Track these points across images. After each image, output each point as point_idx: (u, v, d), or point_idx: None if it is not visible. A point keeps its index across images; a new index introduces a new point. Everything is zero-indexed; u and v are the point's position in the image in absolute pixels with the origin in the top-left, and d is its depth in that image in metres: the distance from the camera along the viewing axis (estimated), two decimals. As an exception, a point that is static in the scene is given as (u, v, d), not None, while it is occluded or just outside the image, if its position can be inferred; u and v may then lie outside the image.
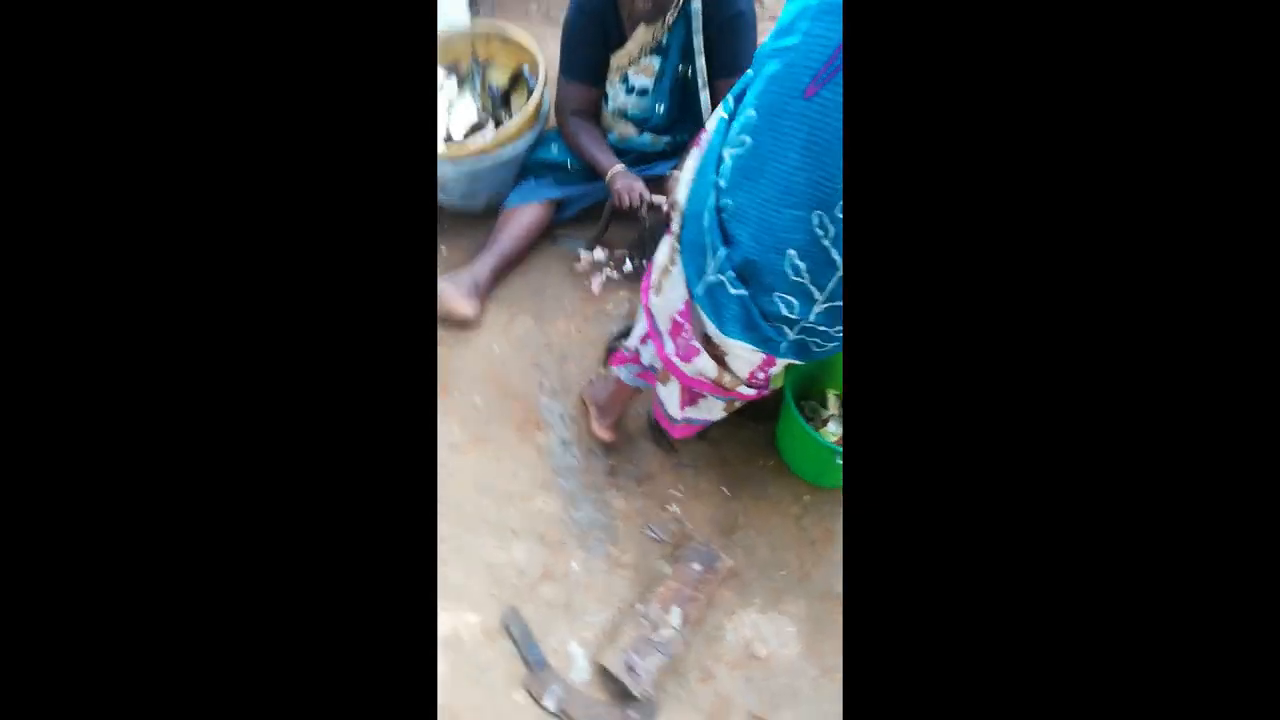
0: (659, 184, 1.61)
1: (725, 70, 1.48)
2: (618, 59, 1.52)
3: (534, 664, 1.20)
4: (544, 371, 1.55)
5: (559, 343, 1.60)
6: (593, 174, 1.65)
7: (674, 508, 1.38)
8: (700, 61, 1.48)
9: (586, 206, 1.73)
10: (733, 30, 1.44)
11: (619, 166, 1.53)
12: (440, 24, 1.72)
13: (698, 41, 1.46)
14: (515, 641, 1.22)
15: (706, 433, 1.41)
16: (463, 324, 1.58)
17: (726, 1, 1.41)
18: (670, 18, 1.44)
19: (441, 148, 1.65)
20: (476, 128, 1.73)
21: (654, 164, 1.67)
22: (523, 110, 1.63)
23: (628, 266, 1.69)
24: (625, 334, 1.56)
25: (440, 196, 1.70)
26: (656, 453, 1.45)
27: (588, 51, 1.51)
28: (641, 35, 1.47)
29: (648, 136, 1.65)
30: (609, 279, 1.68)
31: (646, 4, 1.35)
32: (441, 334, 1.58)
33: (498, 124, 1.71)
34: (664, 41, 1.48)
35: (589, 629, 1.25)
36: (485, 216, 1.75)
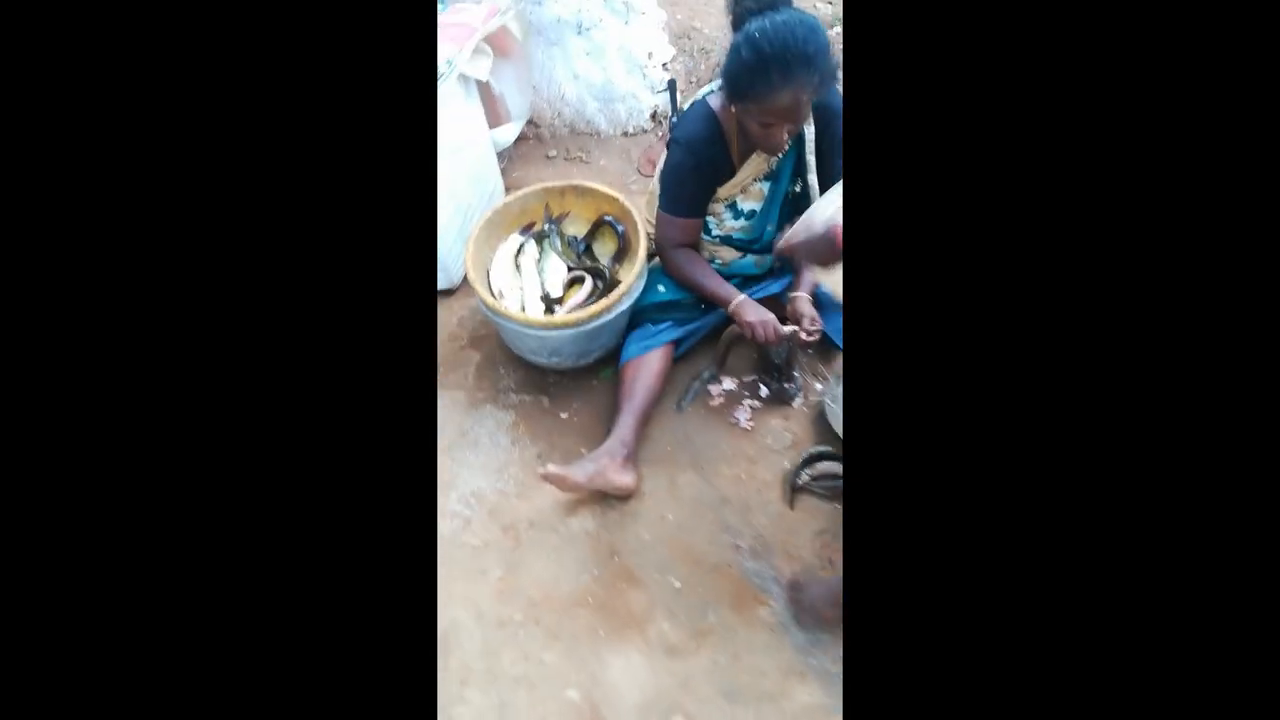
0: (774, 303, 1.56)
1: (831, 185, 1.46)
2: (725, 190, 1.48)
3: None
4: (734, 531, 1.38)
5: (735, 493, 1.44)
6: (702, 306, 1.58)
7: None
8: (813, 178, 1.46)
9: (699, 340, 1.65)
10: (841, 150, 1.43)
11: (742, 297, 1.46)
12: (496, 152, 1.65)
13: (811, 160, 1.45)
14: None
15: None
16: (626, 496, 1.42)
17: (835, 123, 1.41)
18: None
19: (544, 314, 1.55)
20: (576, 281, 1.63)
21: (763, 283, 1.62)
22: (633, 262, 1.55)
23: (764, 392, 1.58)
24: (808, 462, 1.43)
25: (554, 360, 1.57)
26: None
27: (697, 190, 1.47)
28: (754, 164, 1.44)
29: (751, 259, 1.60)
30: (752, 409, 1.56)
31: (782, 142, 1.32)
32: (608, 514, 1.41)
33: (595, 275, 1.62)
34: (775, 167, 1.46)
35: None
36: (590, 370, 1.63)
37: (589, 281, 1.63)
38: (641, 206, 1.68)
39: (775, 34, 1.19)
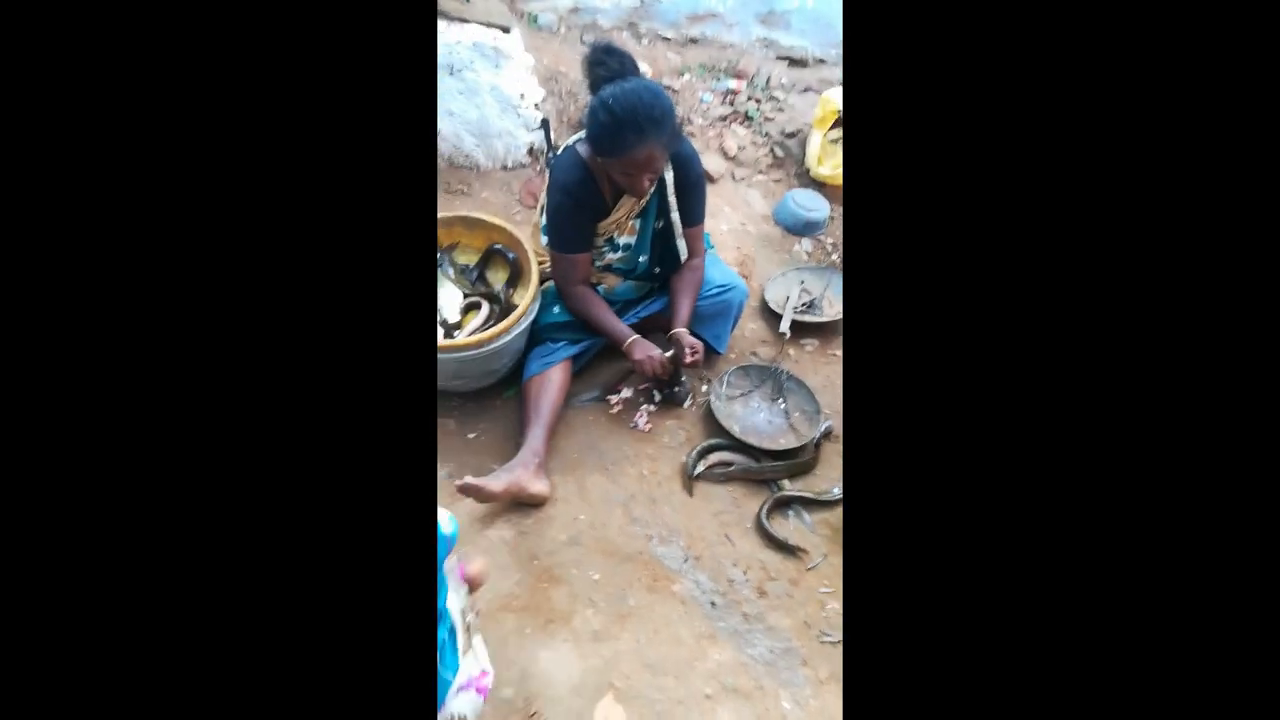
0: (657, 319, 1.77)
1: (693, 219, 1.70)
2: (604, 227, 1.66)
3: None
4: (643, 522, 1.51)
5: (640, 489, 1.57)
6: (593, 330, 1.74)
7: (831, 605, 1.42)
8: (675, 215, 1.68)
9: (593, 356, 1.79)
10: (695, 189, 1.68)
11: (633, 338, 1.63)
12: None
13: (672, 200, 1.66)
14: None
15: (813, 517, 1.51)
16: (540, 503, 1.50)
17: (689, 168, 1.65)
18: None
19: (446, 338, 1.61)
20: (472, 306, 1.70)
21: (644, 304, 1.82)
22: (526, 286, 1.67)
23: (657, 398, 1.75)
24: (702, 454, 1.60)
25: (456, 383, 1.62)
26: (786, 559, 1.48)
27: (579, 227, 1.63)
28: (626, 205, 1.63)
29: (631, 284, 1.79)
30: (649, 413, 1.72)
31: (644, 188, 1.51)
32: (524, 522, 1.48)
33: (490, 300, 1.70)
34: (644, 206, 1.65)
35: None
36: (492, 391, 1.70)
37: (485, 306, 1.71)
38: (527, 237, 1.80)
39: (625, 100, 1.38)
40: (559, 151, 1.66)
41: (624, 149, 1.41)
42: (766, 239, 2.32)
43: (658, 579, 1.42)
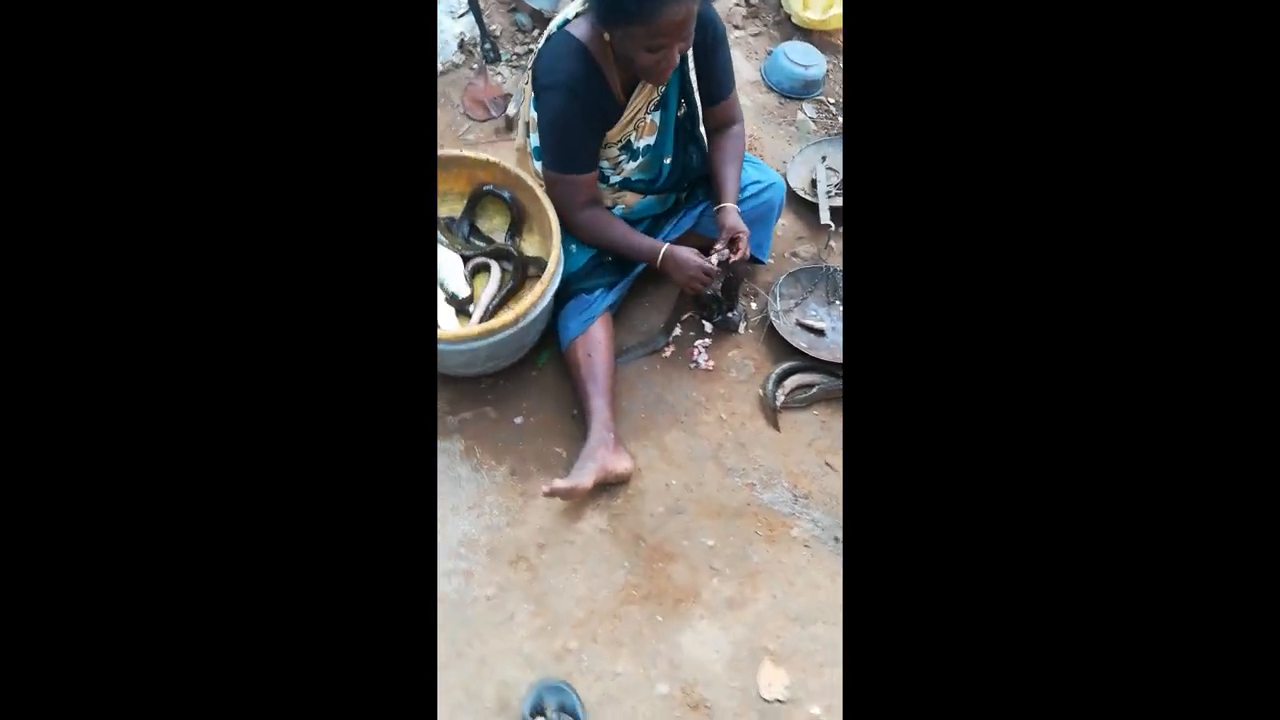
0: (691, 237, 1.50)
1: (719, 95, 1.39)
2: (616, 131, 1.33)
3: None
4: (739, 472, 1.39)
5: (723, 435, 1.43)
6: (626, 262, 1.47)
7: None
8: (696, 96, 1.37)
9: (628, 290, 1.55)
10: (719, 53, 1.35)
11: (664, 249, 1.35)
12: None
13: (694, 79, 1.35)
14: None
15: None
16: (627, 479, 1.35)
17: (710, 25, 1.31)
18: None
19: (460, 314, 1.35)
20: (480, 269, 1.41)
21: (673, 221, 1.53)
22: (538, 232, 1.39)
23: (708, 329, 1.56)
24: (778, 381, 1.46)
25: (490, 365, 1.38)
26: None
27: (587, 138, 1.31)
28: (642, 95, 1.30)
29: (653, 198, 1.49)
30: (704, 348, 1.54)
31: (673, 64, 1.18)
32: (614, 504, 1.33)
33: (499, 257, 1.41)
34: (662, 93, 1.33)
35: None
36: (523, 362, 1.47)
37: (495, 268, 1.42)
38: (513, 165, 1.47)
39: None
40: (545, 39, 1.29)
41: (655, 7, 1.07)
42: (764, 110, 2.03)
43: (773, 528, 1.33)
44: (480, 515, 1.32)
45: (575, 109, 1.25)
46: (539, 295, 1.29)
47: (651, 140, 1.39)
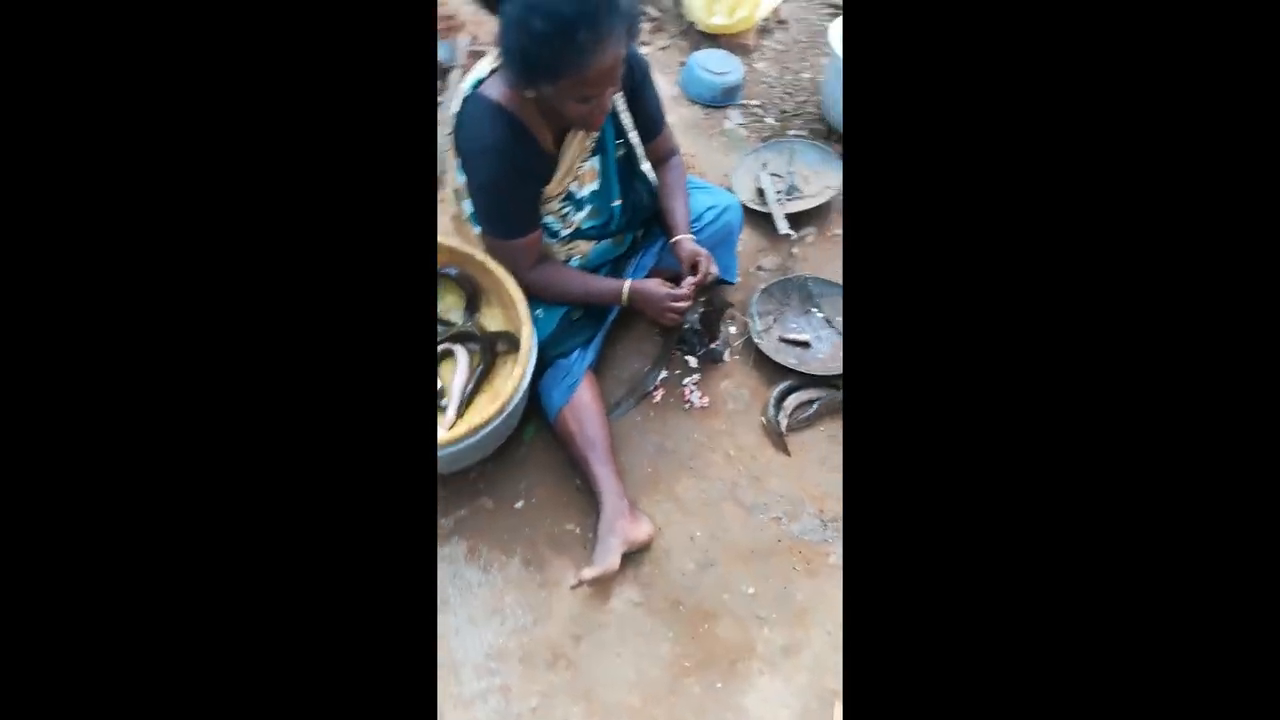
0: (656, 274, 1.43)
1: (653, 130, 1.34)
2: (554, 186, 1.25)
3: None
4: (761, 508, 1.33)
5: (736, 473, 1.37)
6: (597, 311, 1.40)
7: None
8: (633, 135, 1.31)
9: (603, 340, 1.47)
10: (647, 89, 1.30)
11: (628, 285, 1.29)
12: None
13: (627, 118, 1.28)
14: None
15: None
16: (649, 543, 1.27)
17: (635, 62, 1.25)
18: None
19: (446, 431, 1.23)
20: (445, 356, 1.29)
21: (633, 261, 1.47)
22: (500, 305, 1.28)
23: (693, 364, 1.50)
24: (778, 404, 1.41)
25: (477, 456, 1.27)
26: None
27: (523, 199, 1.23)
28: (575, 145, 1.23)
29: (608, 243, 1.42)
30: (694, 384, 1.48)
31: (606, 110, 1.11)
32: (641, 571, 1.25)
33: (462, 340, 1.30)
34: (597, 139, 1.26)
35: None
36: (508, 445, 1.37)
37: (460, 352, 1.31)
38: (450, 234, 1.36)
39: None
40: (458, 105, 1.20)
41: (580, 59, 0.98)
42: (690, 124, 1.99)
43: (810, 560, 1.28)
44: (503, 620, 1.21)
45: (506, 172, 1.16)
46: (517, 379, 1.19)
47: (595, 186, 1.32)
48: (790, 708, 1.14)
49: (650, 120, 1.33)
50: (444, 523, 1.31)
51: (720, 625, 1.22)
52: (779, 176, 1.76)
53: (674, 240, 1.35)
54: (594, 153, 1.28)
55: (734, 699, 1.15)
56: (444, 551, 1.28)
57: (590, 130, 1.19)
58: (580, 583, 1.13)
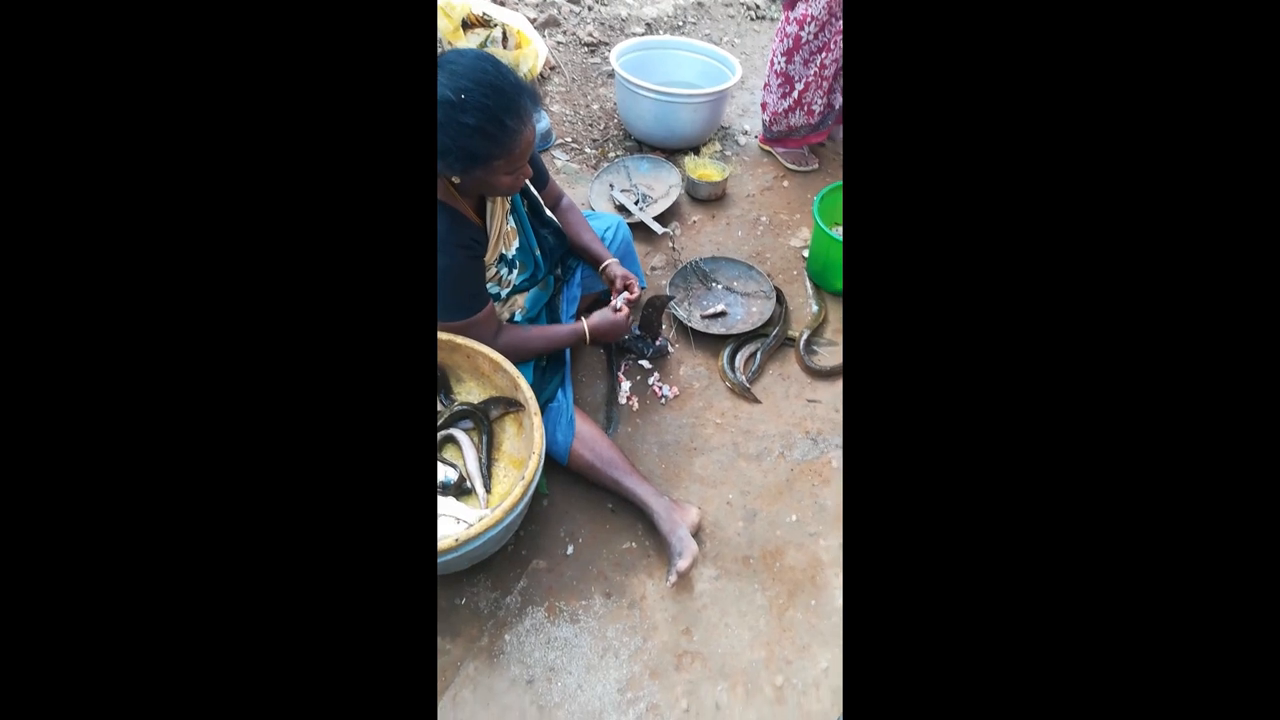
0: (598, 301, 1.61)
1: (544, 178, 1.49)
2: (489, 255, 1.33)
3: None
4: (766, 452, 1.51)
5: (733, 434, 1.54)
6: (558, 353, 1.50)
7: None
8: (532, 188, 1.41)
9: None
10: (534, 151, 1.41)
11: (583, 325, 1.43)
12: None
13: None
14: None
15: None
16: (699, 524, 1.37)
17: None
18: None
19: (465, 509, 1.22)
20: (446, 443, 1.24)
21: (562, 300, 1.60)
22: (483, 379, 1.29)
23: (648, 365, 1.64)
24: (730, 361, 1.60)
25: (509, 534, 1.24)
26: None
27: (475, 277, 1.29)
28: (498, 212, 1.32)
29: (535, 290, 1.52)
30: (658, 381, 1.60)
31: (526, 174, 1.20)
32: (703, 551, 1.36)
33: (461, 419, 1.26)
34: (510, 201, 1.34)
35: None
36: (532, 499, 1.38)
37: (462, 437, 1.28)
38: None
39: (479, 85, 1.06)
40: None
41: (509, 140, 1.09)
42: (524, 174, 2.11)
43: (820, 472, 1.50)
44: (616, 653, 1.23)
45: (457, 259, 1.21)
46: (539, 450, 1.20)
47: (518, 243, 1.40)
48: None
49: (539, 170, 1.45)
50: (509, 600, 1.27)
51: (787, 557, 1.38)
52: (629, 191, 1.98)
53: (602, 267, 1.51)
54: (510, 213, 1.37)
55: (830, 604, 1.31)
56: (525, 624, 1.25)
57: (512, 194, 1.28)
58: (679, 576, 1.20)
